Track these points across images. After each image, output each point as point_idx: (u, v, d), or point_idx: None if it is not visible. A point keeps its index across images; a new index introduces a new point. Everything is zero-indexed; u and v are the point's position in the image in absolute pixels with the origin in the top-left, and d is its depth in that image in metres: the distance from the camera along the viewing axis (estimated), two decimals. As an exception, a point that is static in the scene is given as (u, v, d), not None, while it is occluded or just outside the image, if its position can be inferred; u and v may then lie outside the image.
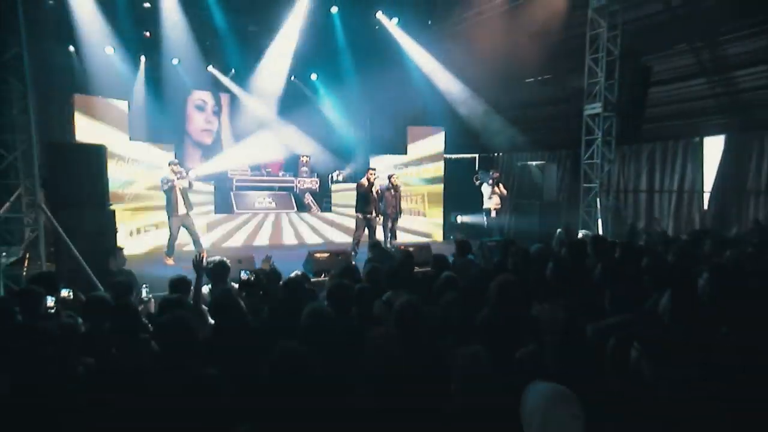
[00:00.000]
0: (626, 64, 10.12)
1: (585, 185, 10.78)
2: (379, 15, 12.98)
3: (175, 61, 13.27)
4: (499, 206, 12.05)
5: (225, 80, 14.55)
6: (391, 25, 13.20)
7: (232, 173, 13.88)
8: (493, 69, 12.44)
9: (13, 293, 4.43)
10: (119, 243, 7.21)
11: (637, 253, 5.87)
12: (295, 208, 13.56)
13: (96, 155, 6.94)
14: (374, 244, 7.55)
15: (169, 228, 9.37)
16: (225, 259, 4.92)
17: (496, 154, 15.24)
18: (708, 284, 4.30)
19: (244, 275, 4.81)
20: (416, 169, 13.37)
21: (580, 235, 8.84)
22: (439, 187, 13.55)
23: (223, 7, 11.63)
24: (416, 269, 6.24)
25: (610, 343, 3.06)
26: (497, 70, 12.43)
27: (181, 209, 9.24)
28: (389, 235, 10.65)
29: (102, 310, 3.67)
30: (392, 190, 10.57)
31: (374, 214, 9.98)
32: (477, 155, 15.13)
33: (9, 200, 5.86)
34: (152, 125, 12.63)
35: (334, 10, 12.55)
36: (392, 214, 10.58)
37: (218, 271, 4.77)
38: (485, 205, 12.03)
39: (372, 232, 10.04)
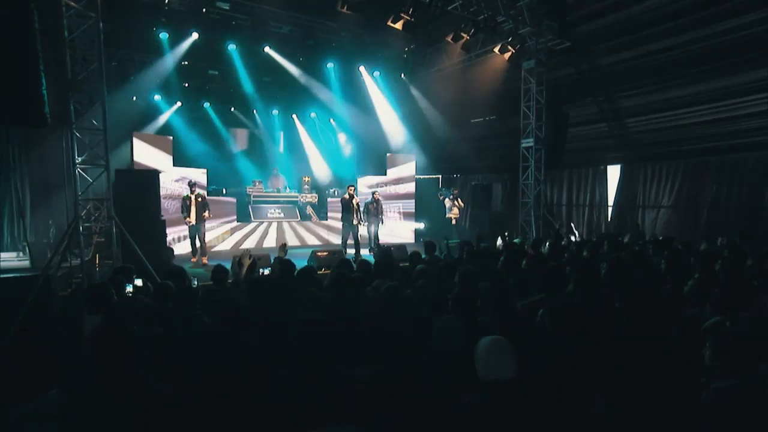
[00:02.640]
0: (550, 110, 10.43)
1: (522, 200, 11.00)
2: (362, 69, 13.08)
3: (207, 104, 13.37)
4: (458, 216, 12.33)
5: (244, 120, 14.59)
6: (370, 77, 13.33)
7: (249, 190, 13.75)
8: (451, 111, 12.72)
9: (104, 281, 4.56)
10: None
11: (560, 251, 6.27)
12: (299, 218, 13.52)
13: (150, 178, 7.11)
14: (377, 246, 7.60)
15: (188, 232, 9.20)
16: (254, 257, 5.12)
17: (455, 175, 15.38)
18: (606, 272, 4.72)
19: (264, 271, 5.00)
20: (394, 186, 13.52)
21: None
22: (411, 201, 13.68)
23: (244, 63, 11.77)
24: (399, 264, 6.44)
25: (540, 314, 3.43)
26: (455, 111, 12.69)
27: (192, 219, 8.93)
28: (373, 238, 10.75)
29: (167, 294, 3.78)
30: (375, 203, 10.61)
31: (356, 222, 10.04)
32: (440, 176, 15.24)
33: (95, 214, 5.96)
34: (189, 153, 12.63)
35: (330, 65, 12.79)
36: (374, 222, 10.58)
37: (250, 266, 4.93)
38: (447, 215, 12.29)
39: (355, 235, 10.07)
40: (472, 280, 4.08)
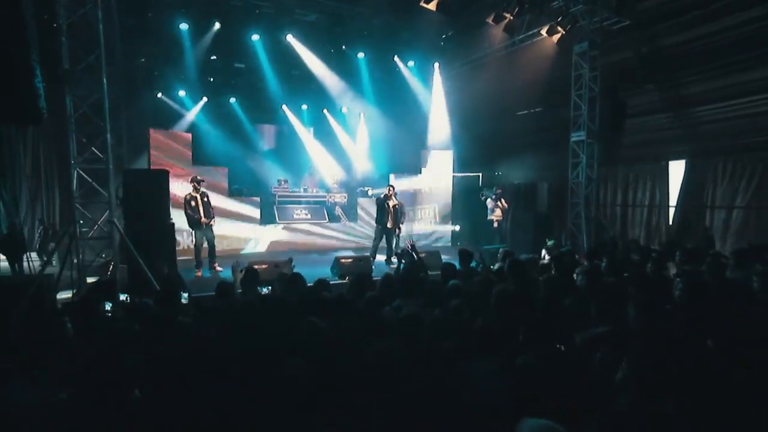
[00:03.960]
0: (605, 99, 9.53)
1: (571, 200, 10.21)
2: (396, 59, 12.49)
3: (232, 100, 13.11)
4: (501, 218, 11.50)
5: (272, 115, 14.25)
6: (404, 67, 12.77)
7: (274, 190, 13.27)
8: (493, 102, 11.93)
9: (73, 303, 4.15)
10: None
11: (620, 266, 5.39)
12: (327, 219, 12.93)
13: (160, 179, 6.73)
14: (403, 252, 6.89)
15: (195, 238, 8.22)
16: (254, 266, 4.57)
17: (497, 173, 14.46)
18: (683, 293, 3.86)
19: (264, 290, 4.52)
20: (429, 185, 12.79)
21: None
22: (448, 201, 12.96)
23: (270, 56, 11.39)
24: (429, 272, 5.77)
25: (598, 356, 2.69)
26: (497, 103, 11.92)
27: (203, 220, 8.06)
28: (403, 238, 9.93)
29: (148, 316, 3.34)
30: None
31: (390, 225, 9.38)
32: (480, 174, 14.22)
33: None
34: (210, 150, 12.30)
35: (361, 55, 12.19)
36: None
37: (249, 278, 4.42)
38: (489, 217, 11.49)
39: (389, 239, 9.46)
40: (510, 305, 3.35)
